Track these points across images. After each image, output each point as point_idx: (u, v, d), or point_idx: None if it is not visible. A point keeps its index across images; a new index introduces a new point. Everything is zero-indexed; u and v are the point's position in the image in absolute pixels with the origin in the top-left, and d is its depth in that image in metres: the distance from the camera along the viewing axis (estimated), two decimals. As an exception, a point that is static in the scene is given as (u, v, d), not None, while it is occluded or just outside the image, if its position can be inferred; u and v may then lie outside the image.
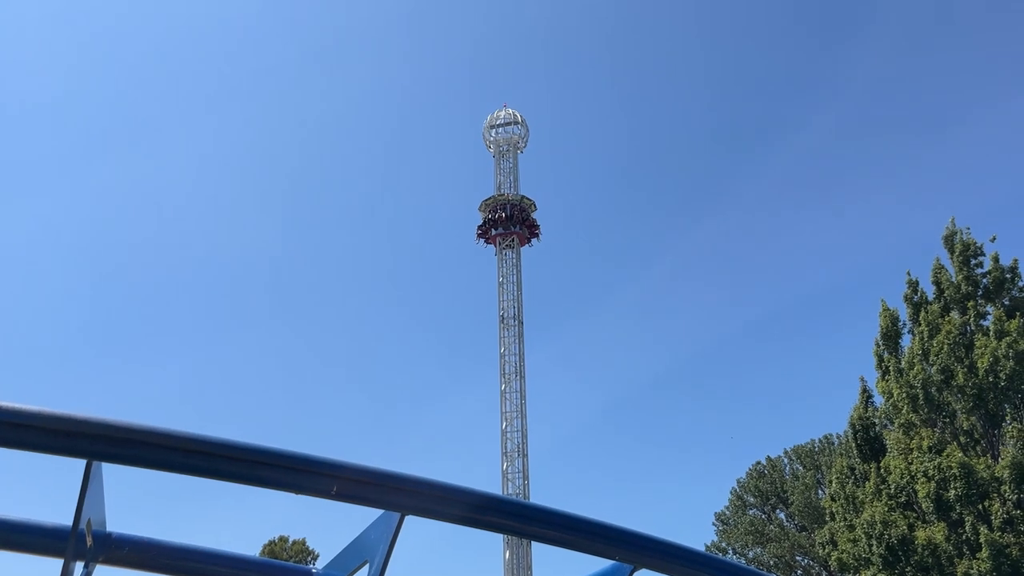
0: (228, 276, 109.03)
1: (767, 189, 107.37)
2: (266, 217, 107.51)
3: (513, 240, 62.03)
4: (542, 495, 58.99)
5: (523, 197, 62.84)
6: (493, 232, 62.15)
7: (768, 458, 54.94)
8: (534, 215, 62.93)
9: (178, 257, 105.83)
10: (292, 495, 2.68)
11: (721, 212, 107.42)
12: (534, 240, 62.93)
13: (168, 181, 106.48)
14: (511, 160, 64.40)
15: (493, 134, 65.08)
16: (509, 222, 61.62)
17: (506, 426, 56.60)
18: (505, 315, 59.72)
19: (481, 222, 62.65)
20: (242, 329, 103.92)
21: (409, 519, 2.65)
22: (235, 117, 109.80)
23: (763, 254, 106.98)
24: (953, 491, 23.73)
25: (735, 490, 55.16)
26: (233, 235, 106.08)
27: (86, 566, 3.08)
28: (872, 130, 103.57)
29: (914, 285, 27.76)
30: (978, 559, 22.85)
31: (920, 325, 26.58)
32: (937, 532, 23.96)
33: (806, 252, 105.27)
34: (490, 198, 62.88)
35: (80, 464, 2.54)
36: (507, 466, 55.52)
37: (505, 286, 60.73)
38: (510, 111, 65.84)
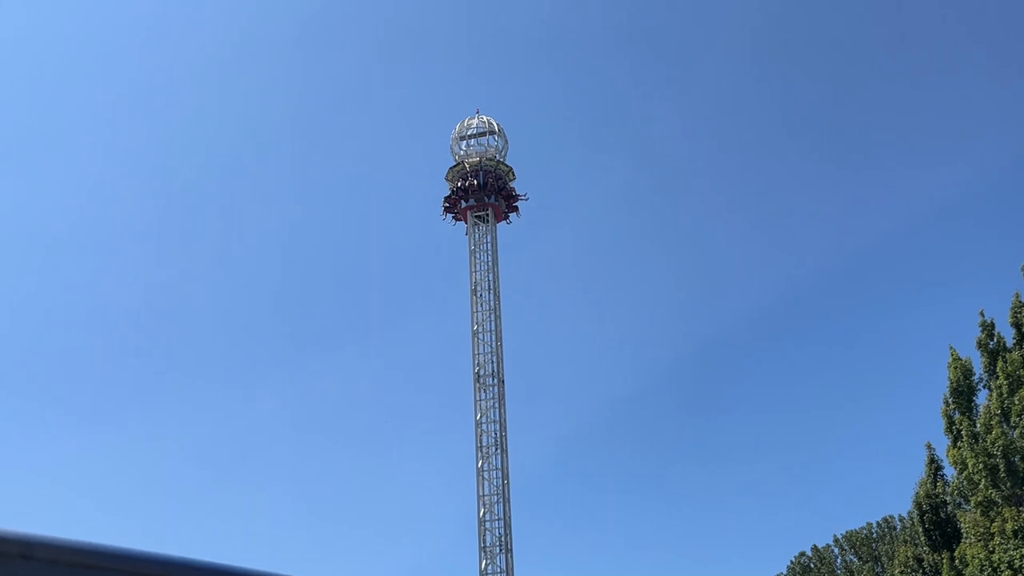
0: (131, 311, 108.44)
1: (787, 198, 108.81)
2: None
3: (487, 213, 62.62)
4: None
5: (499, 162, 63.61)
6: (463, 204, 62.69)
7: (815, 548, 54.67)
8: (513, 184, 63.75)
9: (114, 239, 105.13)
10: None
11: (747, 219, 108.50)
12: (512, 215, 63.73)
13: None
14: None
15: (464, 147, 65.19)
16: (482, 191, 62.22)
17: (484, 513, 55.98)
18: (481, 371, 59.37)
19: (448, 193, 63.35)
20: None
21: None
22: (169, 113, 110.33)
23: (782, 265, 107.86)
24: (1047, 586, 23.64)
25: (774, 589, 54.75)
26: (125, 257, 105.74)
27: None
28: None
29: (989, 328, 27.80)
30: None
31: (998, 378, 26.58)
32: (1029, 639, 23.80)
33: (841, 268, 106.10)
34: (458, 164, 63.59)
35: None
36: (486, 564, 54.82)
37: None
38: (484, 119, 66.04)
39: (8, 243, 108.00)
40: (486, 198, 62.35)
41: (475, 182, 62.21)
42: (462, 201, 62.69)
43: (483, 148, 65.12)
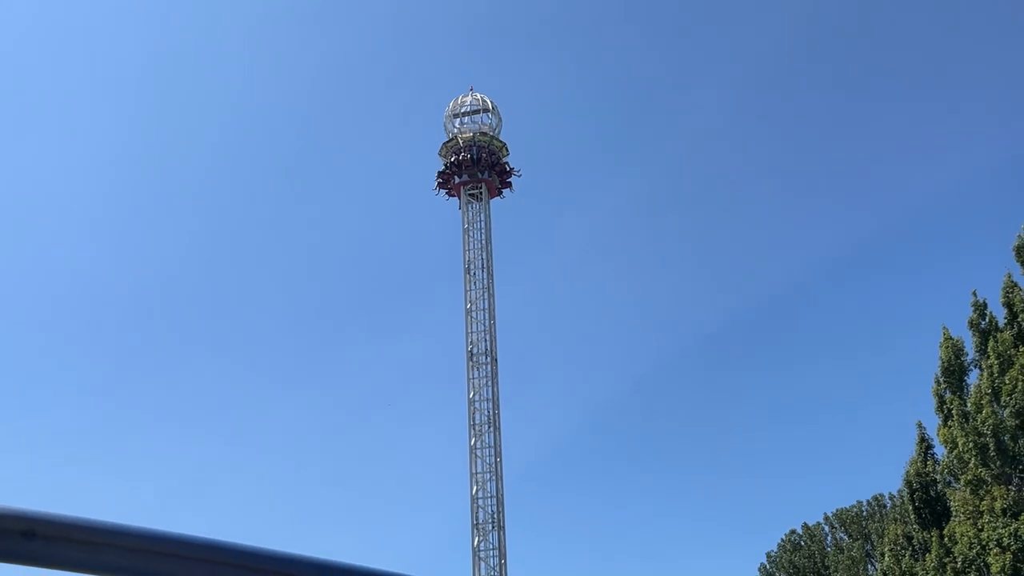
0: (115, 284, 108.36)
1: (783, 178, 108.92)
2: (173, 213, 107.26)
3: (481, 189, 62.55)
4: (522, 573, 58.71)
5: (493, 138, 63.42)
6: (456, 180, 62.57)
7: (805, 526, 55.02)
8: (506, 160, 63.56)
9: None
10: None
11: (730, 196, 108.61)
12: (506, 191, 63.58)
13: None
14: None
15: (457, 124, 65.07)
16: (476, 167, 62.13)
17: (477, 491, 56.19)
18: (474, 350, 59.49)
19: (442, 168, 63.12)
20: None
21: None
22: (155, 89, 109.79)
23: (773, 246, 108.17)
24: (1035, 564, 23.84)
25: (764, 567, 55.16)
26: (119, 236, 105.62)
27: None
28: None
29: (981, 308, 27.88)
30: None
31: (989, 357, 26.67)
32: (1016, 616, 24.04)
33: (837, 248, 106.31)
34: (451, 139, 63.38)
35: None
36: (479, 541, 55.07)
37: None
38: (478, 96, 65.87)
39: (34, 223, 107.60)
40: (480, 173, 62.31)
41: (468, 157, 62.10)
42: (455, 176, 62.62)
43: (477, 126, 64.97)
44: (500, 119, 65.57)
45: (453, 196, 63.48)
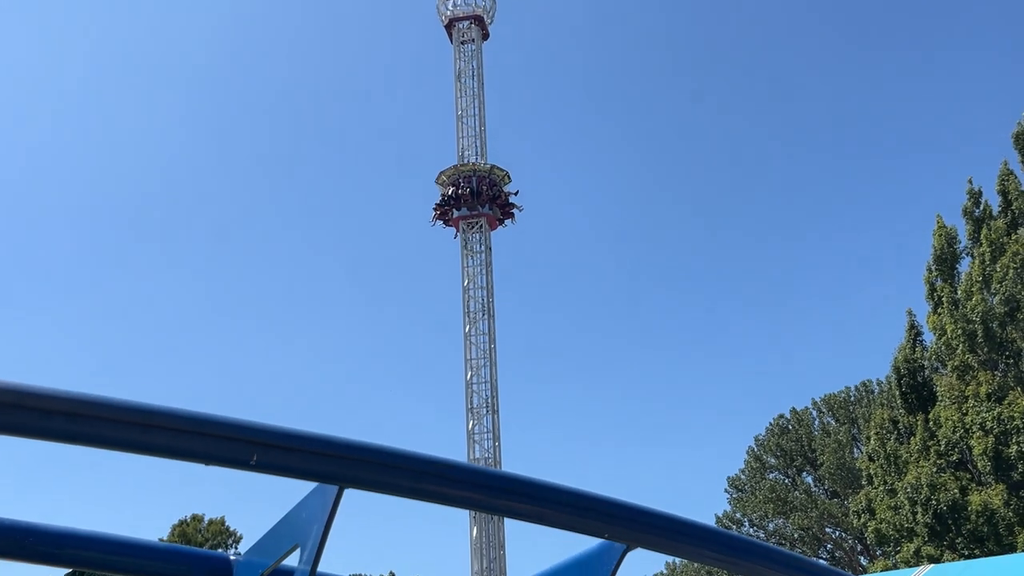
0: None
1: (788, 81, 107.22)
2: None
3: (481, 224, 60.01)
4: (516, 458, 60.17)
5: (493, 167, 60.39)
6: (455, 213, 59.65)
7: (793, 410, 56.13)
8: (507, 188, 60.59)
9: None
10: (202, 467, 2.66)
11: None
12: (508, 221, 60.69)
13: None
14: (473, 45, 63.24)
15: (450, 5, 63.74)
16: (475, 200, 59.14)
17: (471, 376, 57.21)
18: (469, 240, 59.88)
19: (439, 200, 60.06)
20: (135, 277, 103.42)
21: (350, 494, 2.67)
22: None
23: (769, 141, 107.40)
24: (1015, 447, 24.42)
25: (752, 450, 56.43)
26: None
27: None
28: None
29: (976, 196, 27.84)
30: (1043, 527, 23.70)
31: (981, 245, 26.70)
32: (995, 496, 24.75)
33: (834, 135, 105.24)
34: (451, 168, 60.35)
35: None
36: (473, 424, 56.31)
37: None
38: (471, -25, 64.31)
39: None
40: (480, 207, 59.17)
41: (468, 190, 58.86)
42: (454, 210, 59.51)
43: (471, 8, 63.75)
44: (494, 1, 64.37)
45: (450, 227, 60.42)
